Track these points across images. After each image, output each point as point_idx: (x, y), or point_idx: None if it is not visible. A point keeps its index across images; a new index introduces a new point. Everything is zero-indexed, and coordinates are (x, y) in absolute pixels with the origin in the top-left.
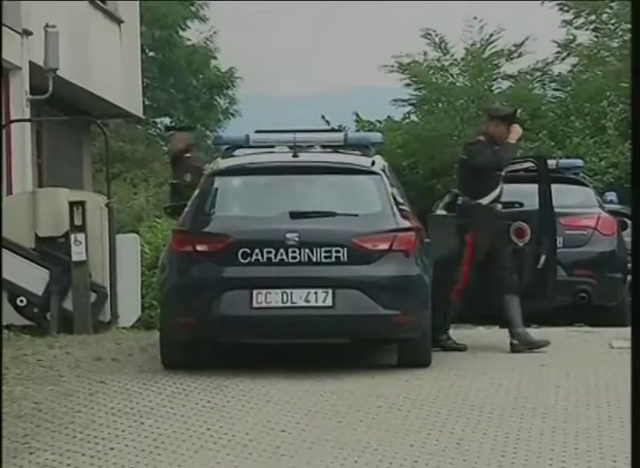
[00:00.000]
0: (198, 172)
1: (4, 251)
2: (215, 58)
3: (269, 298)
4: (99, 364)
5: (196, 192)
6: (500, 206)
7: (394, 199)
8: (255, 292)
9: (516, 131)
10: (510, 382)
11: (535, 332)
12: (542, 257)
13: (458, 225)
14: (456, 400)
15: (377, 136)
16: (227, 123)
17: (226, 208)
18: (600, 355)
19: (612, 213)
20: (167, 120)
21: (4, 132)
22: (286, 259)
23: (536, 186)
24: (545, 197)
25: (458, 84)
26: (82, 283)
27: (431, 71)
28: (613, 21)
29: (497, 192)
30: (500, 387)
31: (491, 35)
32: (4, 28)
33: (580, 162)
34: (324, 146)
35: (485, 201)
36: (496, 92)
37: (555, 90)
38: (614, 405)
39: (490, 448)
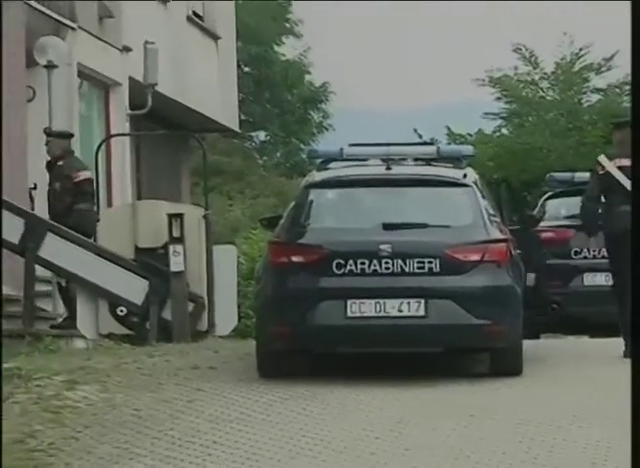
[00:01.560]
0: (68, 180)
1: (105, 262)
2: (309, 72)
3: (363, 308)
4: (196, 372)
5: (292, 204)
6: None
7: (486, 211)
8: (349, 302)
9: None
10: (600, 391)
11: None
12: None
13: None
14: (546, 408)
15: (468, 149)
16: (321, 137)
17: (321, 219)
18: None
19: None
20: (262, 134)
21: (104, 146)
22: (379, 270)
23: None
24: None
25: (547, 97)
26: (180, 293)
27: (521, 85)
28: None
29: None
30: (591, 396)
31: (580, 49)
32: (105, 45)
33: None
34: (416, 159)
35: None
36: (585, 105)
37: None
38: None
39: (580, 455)
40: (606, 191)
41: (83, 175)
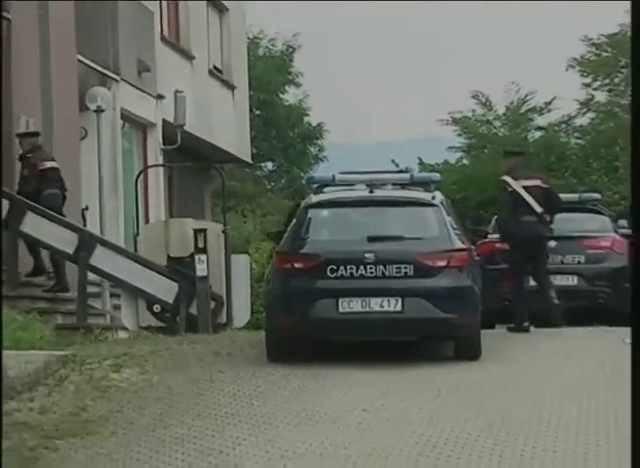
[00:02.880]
0: (34, 168)
1: (143, 268)
2: (307, 114)
3: (352, 305)
4: (217, 357)
5: (293, 221)
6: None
7: (450, 225)
8: (340, 299)
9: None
10: (544, 370)
11: (561, 331)
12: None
13: None
14: (501, 384)
15: (436, 176)
16: (317, 166)
17: (317, 233)
18: (615, 349)
19: (624, 236)
20: (270, 164)
21: (142, 175)
22: (365, 274)
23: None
24: None
25: (499, 134)
26: (204, 293)
27: (479, 124)
28: (623, 83)
29: None
30: (536, 374)
31: (526, 95)
32: (142, 93)
33: (597, 195)
34: (394, 184)
35: None
36: (530, 140)
37: (577, 138)
38: (626, 386)
39: (528, 422)
40: (513, 205)
41: (49, 164)
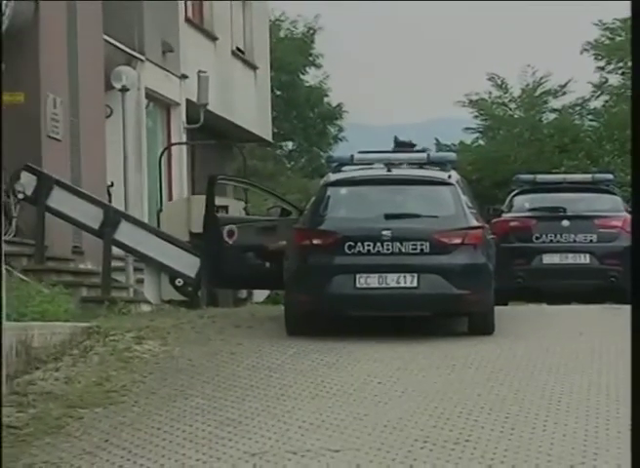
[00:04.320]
0: None
1: (166, 243)
2: (327, 95)
3: (369, 281)
4: (237, 330)
5: (313, 199)
6: None
7: (466, 204)
8: (357, 275)
9: None
10: (556, 346)
11: (573, 308)
12: None
13: None
14: (513, 360)
15: (452, 156)
16: (337, 146)
17: (336, 211)
18: (625, 326)
19: None
20: (290, 144)
21: (166, 152)
22: (381, 251)
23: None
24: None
25: (515, 116)
26: None
27: (494, 106)
28: None
29: None
30: (548, 350)
31: (541, 78)
32: (167, 73)
33: (610, 176)
34: (411, 164)
35: None
36: (545, 122)
37: (591, 121)
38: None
39: (540, 397)
40: None
41: None
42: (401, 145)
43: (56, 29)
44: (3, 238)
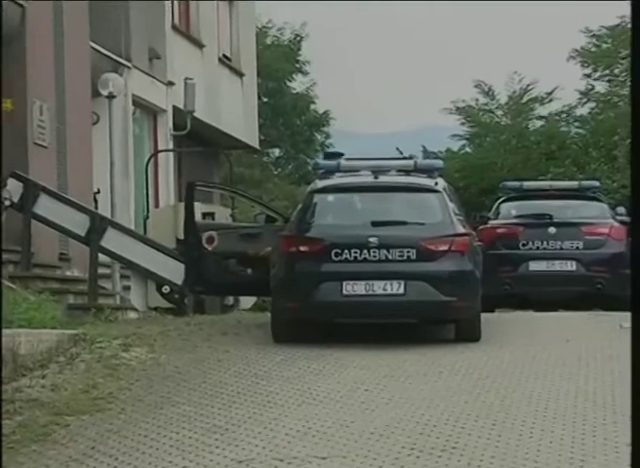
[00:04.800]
0: None
1: (153, 250)
2: (314, 102)
3: (355, 288)
4: (224, 337)
5: (299, 206)
6: None
7: (453, 211)
8: (344, 283)
9: None
10: (543, 353)
11: (560, 315)
12: None
13: None
14: (500, 367)
15: (439, 163)
16: (323, 153)
17: (322, 218)
18: (612, 333)
19: (622, 222)
20: (277, 151)
21: (153, 159)
22: (368, 258)
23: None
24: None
25: (502, 123)
26: None
27: (481, 113)
28: (623, 74)
29: None
30: (534, 357)
31: (528, 85)
32: (153, 80)
33: (597, 183)
34: (398, 171)
35: None
36: (531, 129)
37: (578, 128)
38: (623, 372)
39: (526, 404)
40: None
41: None
42: (330, 156)
43: (42, 36)
44: None
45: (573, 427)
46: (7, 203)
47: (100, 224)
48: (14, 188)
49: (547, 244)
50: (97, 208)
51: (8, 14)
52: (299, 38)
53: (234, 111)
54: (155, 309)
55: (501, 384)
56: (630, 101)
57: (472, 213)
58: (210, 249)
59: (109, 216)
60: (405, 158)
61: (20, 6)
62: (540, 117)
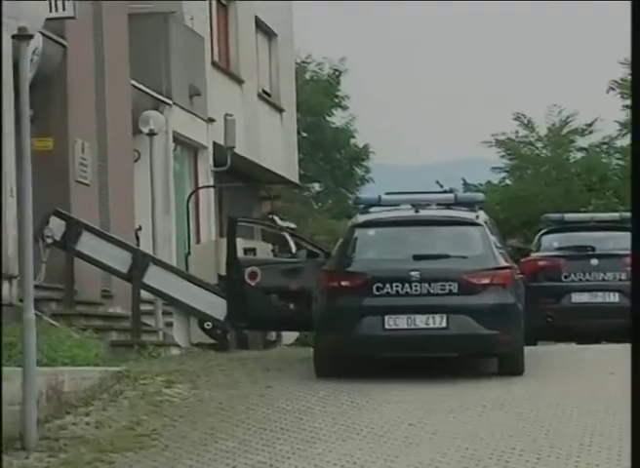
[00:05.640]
0: None
1: (195, 286)
2: (353, 136)
3: (397, 322)
4: (267, 373)
5: (340, 240)
6: None
7: (494, 244)
8: (386, 317)
9: None
10: (586, 386)
11: (603, 348)
12: None
13: None
14: (544, 400)
15: (480, 196)
16: (364, 187)
17: (364, 252)
18: None
19: None
20: (317, 185)
21: (194, 195)
22: (410, 292)
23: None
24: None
25: (542, 155)
26: None
27: (521, 145)
28: None
29: None
30: (578, 391)
31: (567, 117)
32: (194, 116)
33: None
34: (439, 204)
35: None
36: (572, 161)
37: (618, 159)
38: None
39: (571, 438)
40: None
41: None
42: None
43: (83, 74)
44: (33, 282)
45: (618, 461)
46: (49, 241)
47: (142, 261)
48: (56, 226)
49: (590, 275)
50: (138, 244)
51: (49, 53)
52: (337, 73)
53: (274, 146)
54: (198, 345)
55: (545, 418)
56: (631, 101)
57: (513, 244)
58: (252, 284)
59: (151, 253)
60: (445, 191)
61: (62, 45)
62: (581, 149)
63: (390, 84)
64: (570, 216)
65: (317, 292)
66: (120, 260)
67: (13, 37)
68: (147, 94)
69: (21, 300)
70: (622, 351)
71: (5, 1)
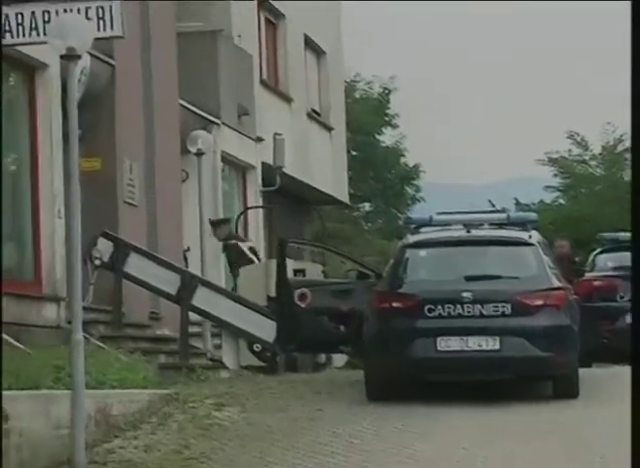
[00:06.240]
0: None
1: (244, 308)
2: (404, 155)
3: (450, 344)
4: (317, 396)
5: (391, 261)
6: None
7: (547, 265)
8: (439, 338)
9: None
10: None
11: None
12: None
13: None
14: (600, 424)
15: (533, 216)
16: (414, 207)
17: (415, 273)
18: None
19: None
20: (367, 205)
21: (243, 216)
22: (462, 313)
23: None
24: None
25: (596, 174)
26: None
27: (575, 164)
28: None
29: None
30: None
31: (622, 135)
32: (242, 136)
33: None
34: (491, 224)
35: None
36: (626, 179)
37: None
38: None
39: (626, 462)
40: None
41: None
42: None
43: (131, 94)
44: (82, 304)
45: None
46: (97, 262)
47: (190, 283)
48: (104, 248)
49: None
50: (187, 266)
51: (97, 72)
52: (387, 91)
53: (324, 166)
54: (247, 368)
55: (601, 441)
56: (631, 101)
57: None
58: (302, 306)
59: (200, 275)
60: (497, 211)
61: (110, 65)
62: None
63: (441, 101)
64: (625, 236)
65: (368, 313)
66: (168, 282)
67: (61, 57)
68: (195, 113)
69: (69, 322)
70: None
71: (53, 22)
